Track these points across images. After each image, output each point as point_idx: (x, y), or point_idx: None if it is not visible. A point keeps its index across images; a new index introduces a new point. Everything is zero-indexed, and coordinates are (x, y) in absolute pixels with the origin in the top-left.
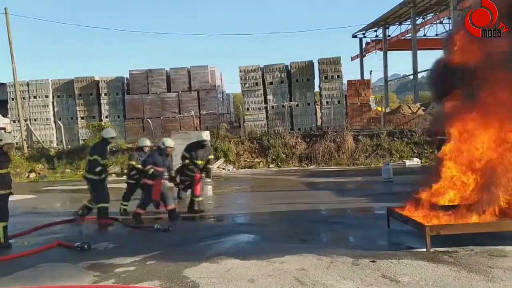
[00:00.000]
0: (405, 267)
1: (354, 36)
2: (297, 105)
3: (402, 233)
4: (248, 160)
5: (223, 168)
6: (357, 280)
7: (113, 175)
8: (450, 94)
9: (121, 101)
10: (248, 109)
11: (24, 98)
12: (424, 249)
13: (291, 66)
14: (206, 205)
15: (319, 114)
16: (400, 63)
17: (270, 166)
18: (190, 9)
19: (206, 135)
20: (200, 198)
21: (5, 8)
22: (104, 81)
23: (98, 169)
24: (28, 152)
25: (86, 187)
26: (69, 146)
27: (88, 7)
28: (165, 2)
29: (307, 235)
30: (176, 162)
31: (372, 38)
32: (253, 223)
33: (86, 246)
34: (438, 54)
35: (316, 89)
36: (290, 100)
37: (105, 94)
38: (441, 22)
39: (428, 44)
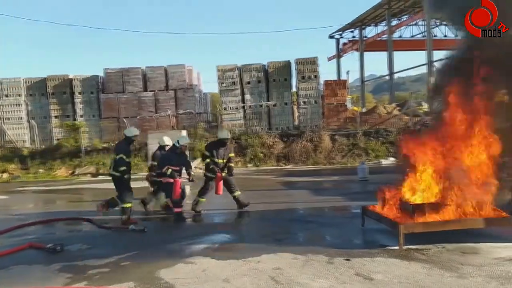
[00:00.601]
0: (378, 265)
1: (331, 37)
2: (275, 105)
3: (376, 232)
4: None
5: (200, 168)
6: (331, 279)
7: (88, 175)
8: None
9: (96, 100)
10: (225, 108)
11: None
12: (398, 247)
13: (268, 66)
14: (184, 204)
15: (296, 114)
16: (377, 64)
17: (248, 165)
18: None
19: (227, 133)
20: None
21: None
22: (78, 79)
23: (123, 168)
24: (0, 152)
25: (59, 187)
26: (43, 146)
27: (62, 3)
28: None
29: (284, 234)
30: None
31: (349, 39)
32: (230, 223)
33: (58, 248)
34: (413, 55)
35: (294, 89)
36: (268, 100)
37: (79, 93)
38: (416, 24)
39: (404, 45)
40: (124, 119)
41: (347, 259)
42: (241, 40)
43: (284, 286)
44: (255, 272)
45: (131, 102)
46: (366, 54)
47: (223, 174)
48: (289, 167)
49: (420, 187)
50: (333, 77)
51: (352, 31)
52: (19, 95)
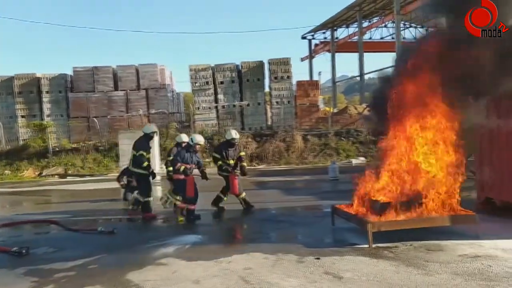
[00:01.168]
0: (347, 263)
1: (303, 38)
2: (248, 105)
3: (346, 230)
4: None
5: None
6: (301, 278)
7: (56, 176)
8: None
9: (64, 99)
10: (198, 108)
11: None
12: (367, 245)
13: (242, 66)
14: (155, 205)
15: (269, 114)
16: (348, 65)
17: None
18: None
19: (235, 133)
20: (244, 194)
21: None
22: (46, 78)
23: (146, 164)
24: None
25: (26, 189)
26: (9, 146)
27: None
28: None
29: (255, 234)
30: (123, 163)
31: (321, 40)
32: (201, 224)
33: (24, 251)
34: (384, 56)
35: (267, 89)
36: (241, 100)
37: (47, 92)
38: (385, 26)
39: (374, 46)
40: (94, 119)
41: (317, 258)
42: (215, 39)
43: (254, 286)
44: (226, 273)
45: (101, 102)
46: (337, 55)
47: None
48: (262, 167)
49: (388, 186)
50: (306, 77)
51: (324, 32)
52: None
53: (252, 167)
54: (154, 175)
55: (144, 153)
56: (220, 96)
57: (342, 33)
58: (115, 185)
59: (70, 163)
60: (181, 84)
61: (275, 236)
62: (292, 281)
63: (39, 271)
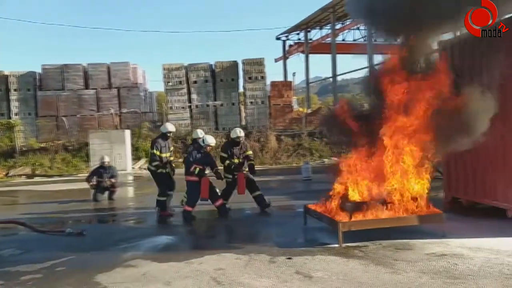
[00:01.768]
0: (318, 263)
1: (277, 39)
2: (222, 105)
3: (317, 230)
4: (171, 160)
5: (145, 168)
6: (273, 278)
7: (23, 176)
8: None
9: (33, 98)
10: (171, 108)
11: None
12: (337, 245)
13: (215, 66)
14: (127, 206)
15: (243, 114)
16: (322, 66)
17: None
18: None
19: (239, 131)
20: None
21: None
22: (14, 75)
23: (155, 163)
24: None
25: None
26: None
27: None
28: None
29: (228, 234)
30: (94, 163)
31: (295, 41)
32: (173, 224)
33: None
34: (355, 58)
35: (241, 89)
36: (215, 100)
37: (15, 90)
38: (358, 28)
39: (347, 48)
40: (63, 118)
41: (289, 258)
42: (188, 39)
43: (225, 286)
44: (197, 274)
45: (71, 100)
46: (311, 56)
47: (245, 172)
48: None
49: (358, 186)
50: (280, 78)
51: (298, 34)
52: None
53: None
54: (160, 174)
55: (157, 152)
56: (194, 96)
57: (316, 34)
58: (85, 185)
59: (38, 163)
60: (154, 83)
61: (248, 236)
62: (263, 281)
63: (5, 274)
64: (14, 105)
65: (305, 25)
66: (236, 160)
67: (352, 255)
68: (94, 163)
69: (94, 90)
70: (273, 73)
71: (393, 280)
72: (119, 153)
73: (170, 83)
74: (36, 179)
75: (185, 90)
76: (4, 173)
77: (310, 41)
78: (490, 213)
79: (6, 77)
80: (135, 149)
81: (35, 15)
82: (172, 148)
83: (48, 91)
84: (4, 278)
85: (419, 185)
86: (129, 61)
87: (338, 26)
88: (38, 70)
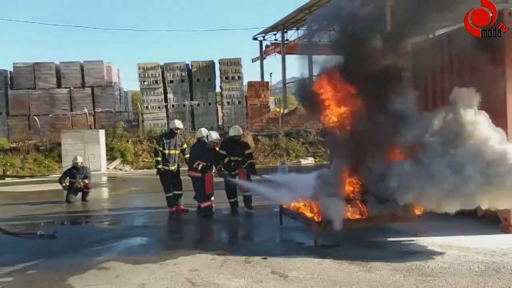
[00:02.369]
0: (293, 262)
1: (254, 39)
2: (198, 105)
3: (293, 230)
4: (147, 160)
5: (120, 169)
6: (248, 278)
7: None
8: None
9: (3, 96)
10: (147, 107)
11: None
12: (312, 244)
13: (192, 65)
14: (101, 207)
15: (220, 114)
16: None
17: None
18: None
19: (238, 130)
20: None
21: None
22: None
23: (156, 158)
24: None
25: None
26: None
27: None
28: None
29: (203, 235)
30: (67, 164)
31: (272, 41)
32: (148, 226)
33: None
34: (330, 59)
35: (218, 89)
36: (191, 99)
37: None
38: (334, 30)
39: (322, 49)
40: (35, 117)
41: (264, 258)
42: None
43: (200, 287)
44: (172, 275)
45: (43, 99)
46: (288, 56)
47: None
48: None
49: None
50: (257, 78)
51: (275, 34)
52: None
53: None
54: (160, 171)
55: (158, 147)
56: (170, 96)
57: (292, 35)
58: (58, 186)
59: (8, 164)
60: (130, 83)
61: (224, 236)
62: (238, 282)
63: None
64: None
65: (282, 26)
66: (233, 158)
67: (327, 254)
68: (67, 164)
69: (67, 89)
70: (250, 73)
71: (366, 278)
72: (92, 153)
73: (146, 83)
74: (7, 180)
75: (161, 90)
76: None
77: (287, 41)
78: (460, 212)
79: None
80: (109, 149)
81: (5, 11)
82: (184, 146)
83: (20, 89)
84: None
85: None
86: (103, 60)
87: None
88: (10, 68)
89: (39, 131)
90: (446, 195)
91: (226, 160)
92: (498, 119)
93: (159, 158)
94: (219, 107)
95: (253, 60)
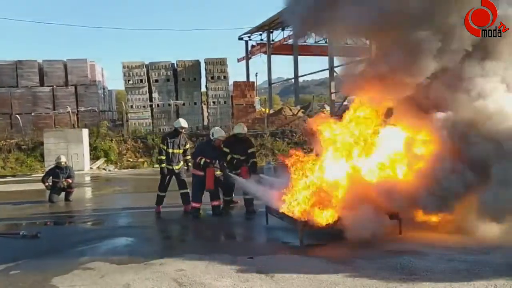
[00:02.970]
0: (279, 262)
1: (240, 39)
2: (184, 104)
3: (279, 229)
4: (131, 160)
5: (104, 169)
6: (234, 277)
7: None
8: None
9: None
10: (132, 106)
11: None
12: (298, 244)
13: (177, 65)
14: (84, 207)
15: (206, 114)
16: (284, 67)
17: (155, 166)
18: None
19: (242, 128)
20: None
21: None
22: None
23: (159, 157)
24: None
25: None
26: None
27: None
28: None
29: (189, 235)
30: (49, 163)
31: (258, 42)
32: (133, 226)
33: None
34: (318, 60)
35: (203, 88)
36: (177, 99)
37: None
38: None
39: (308, 50)
40: (17, 116)
41: (250, 257)
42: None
43: (187, 287)
44: (158, 275)
45: (25, 98)
46: (273, 57)
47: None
48: None
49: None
50: (243, 78)
51: (260, 34)
52: None
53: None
54: (163, 171)
55: (162, 146)
56: (155, 95)
57: (278, 35)
58: (40, 186)
59: None
60: (114, 81)
61: (210, 236)
62: (225, 281)
63: None
64: None
65: (268, 26)
66: (236, 156)
67: (313, 254)
68: (49, 163)
69: (50, 88)
70: (236, 73)
71: (351, 277)
72: (76, 152)
73: (131, 82)
74: None
75: (146, 89)
76: None
77: (272, 42)
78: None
79: None
80: (93, 148)
81: None
82: (187, 146)
83: (2, 87)
84: None
85: None
86: (87, 58)
87: None
88: None
89: (21, 129)
90: None
91: (229, 157)
92: None
93: (163, 157)
94: (204, 107)
95: (238, 60)
